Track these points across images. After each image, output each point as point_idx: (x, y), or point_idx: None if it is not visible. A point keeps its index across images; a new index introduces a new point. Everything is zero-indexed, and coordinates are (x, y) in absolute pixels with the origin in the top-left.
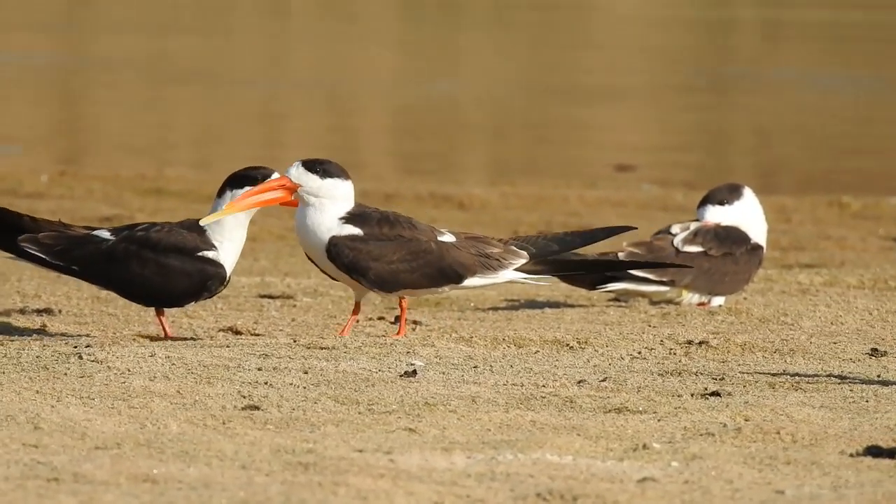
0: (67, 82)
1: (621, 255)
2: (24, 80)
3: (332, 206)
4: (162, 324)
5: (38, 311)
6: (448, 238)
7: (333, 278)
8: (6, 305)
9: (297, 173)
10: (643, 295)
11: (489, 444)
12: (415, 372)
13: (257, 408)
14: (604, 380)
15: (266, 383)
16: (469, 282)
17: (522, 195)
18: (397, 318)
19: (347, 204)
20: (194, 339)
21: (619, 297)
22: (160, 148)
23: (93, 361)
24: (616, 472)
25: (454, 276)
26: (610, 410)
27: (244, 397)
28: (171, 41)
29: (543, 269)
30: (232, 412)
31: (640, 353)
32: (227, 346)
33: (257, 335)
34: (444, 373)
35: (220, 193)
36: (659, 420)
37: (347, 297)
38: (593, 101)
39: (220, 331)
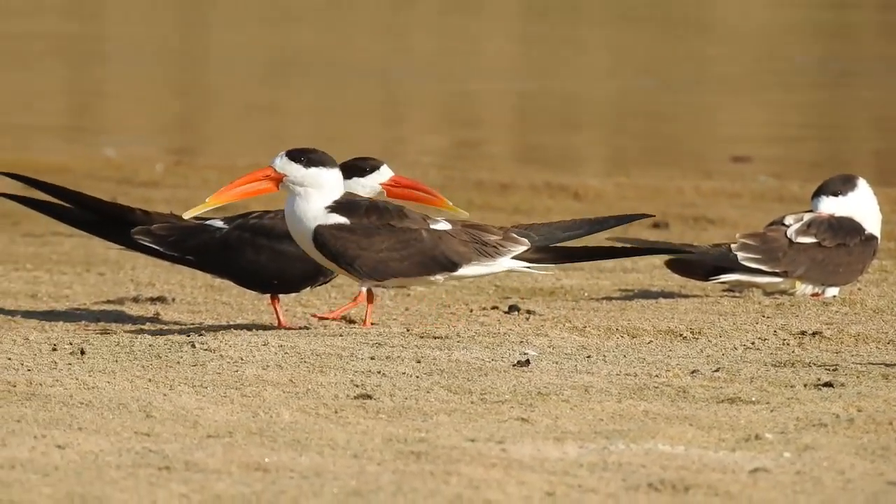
0: (186, 72)
1: (734, 247)
2: (142, 71)
3: (317, 195)
4: (276, 311)
5: (152, 300)
6: (442, 226)
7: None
8: (120, 294)
9: (282, 163)
10: (756, 286)
11: (601, 433)
12: (528, 361)
13: (370, 397)
14: (717, 370)
15: (379, 372)
16: (465, 270)
17: (638, 186)
18: (511, 308)
19: (334, 193)
20: (307, 328)
21: (733, 288)
22: (277, 138)
23: (206, 350)
24: (728, 462)
25: (447, 264)
26: (723, 401)
27: (357, 386)
28: (292, 31)
29: (545, 258)
30: (344, 401)
31: (753, 343)
32: (340, 335)
33: (372, 324)
34: (557, 362)
35: None
36: (772, 410)
37: (461, 286)
38: (711, 93)
39: (333, 320)
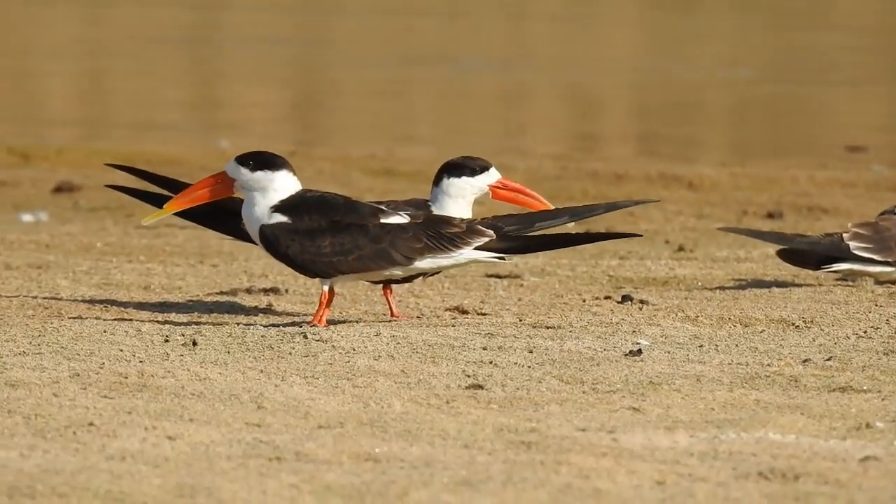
0: (307, 64)
1: (846, 236)
2: (263, 63)
3: (264, 197)
4: (389, 302)
5: (265, 291)
6: (395, 220)
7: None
8: (233, 285)
9: (231, 167)
10: (868, 275)
11: (712, 422)
12: (640, 351)
13: (481, 387)
14: (829, 359)
15: (491, 362)
16: (420, 263)
17: (752, 175)
18: (624, 297)
19: (283, 194)
20: (420, 318)
21: (846, 277)
22: (395, 129)
23: (318, 341)
24: (838, 450)
25: (398, 259)
26: (834, 389)
27: (468, 376)
28: (414, 23)
29: (511, 247)
30: (456, 391)
31: (865, 332)
32: (453, 326)
33: (483, 314)
34: (669, 352)
35: (437, 181)
36: (883, 399)
37: (575, 276)
38: (827, 83)
39: (446, 310)
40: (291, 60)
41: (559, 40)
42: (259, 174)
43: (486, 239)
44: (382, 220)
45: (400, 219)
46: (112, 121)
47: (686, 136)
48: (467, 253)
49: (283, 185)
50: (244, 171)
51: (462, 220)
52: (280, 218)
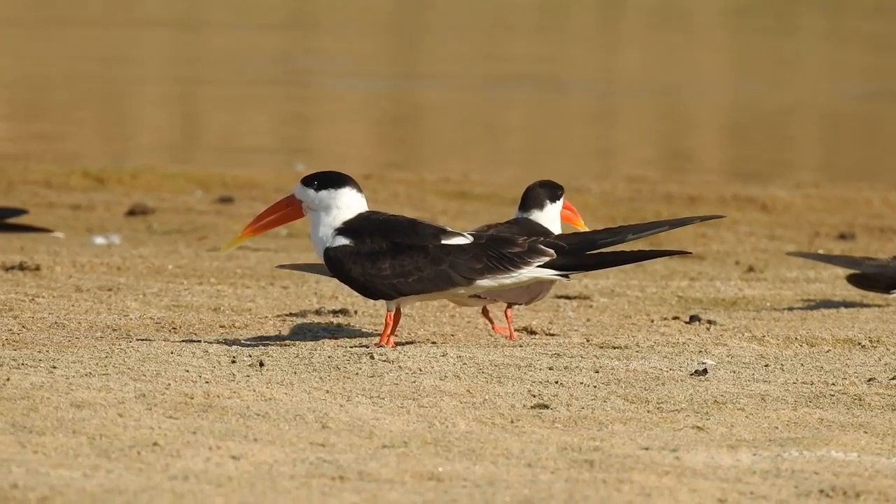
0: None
1: None
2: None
3: (329, 216)
4: (490, 321)
5: (334, 312)
6: (457, 240)
7: None
8: (303, 307)
9: (298, 189)
10: None
11: (776, 441)
12: (705, 370)
13: (546, 406)
14: (894, 378)
15: (556, 382)
16: (482, 282)
17: (826, 197)
18: (692, 318)
19: (348, 213)
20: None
21: None
22: (477, 152)
23: (384, 361)
24: None
25: (458, 279)
26: None
27: (534, 396)
28: (505, 44)
29: (572, 265)
30: (521, 411)
31: None
32: (520, 346)
33: (551, 335)
34: (734, 371)
35: (538, 205)
36: None
37: (644, 297)
38: None
39: (515, 330)
40: (383, 85)
41: (649, 62)
42: (323, 193)
43: (548, 258)
44: (443, 242)
45: (462, 240)
46: (195, 144)
47: (770, 160)
48: (528, 272)
49: (347, 202)
50: (310, 192)
51: (525, 239)
52: (343, 241)
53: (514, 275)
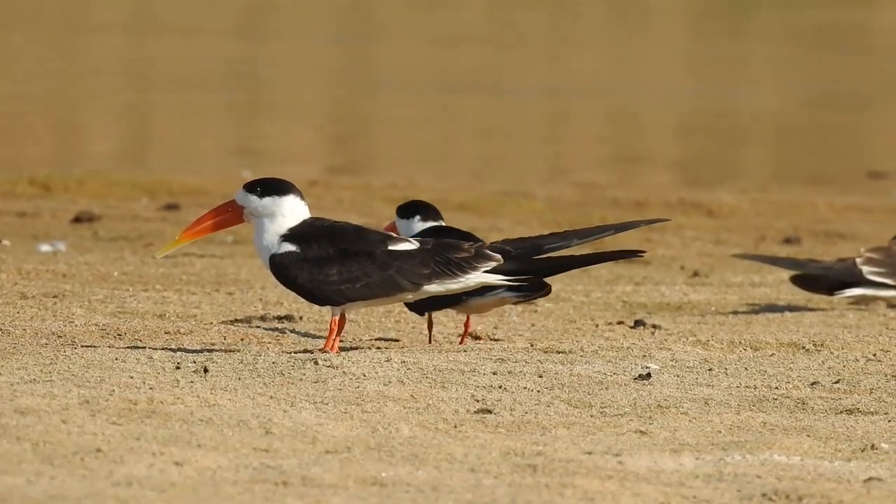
0: (348, 93)
1: (858, 261)
2: (303, 93)
3: (273, 223)
4: (429, 329)
5: (279, 318)
6: (404, 246)
7: None
8: (248, 313)
9: (240, 195)
10: (882, 299)
11: (718, 445)
12: (649, 375)
13: (490, 411)
14: (837, 382)
15: (500, 387)
16: (429, 287)
17: (772, 202)
18: (637, 322)
19: (292, 220)
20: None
21: (859, 302)
22: (427, 157)
23: (328, 367)
24: (843, 472)
25: (405, 285)
26: (841, 412)
27: (477, 401)
28: (459, 52)
29: (518, 270)
30: (464, 416)
31: (875, 355)
32: (464, 351)
33: (496, 340)
34: (678, 376)
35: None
36: (889, 421)
37: (589, 302)
38: (864, 108)
39: (459, 335)
40: (335, 91)
41: (603, 66)
42: (267, 200)
43: (495, 263)
44: (390, 247)
45: (409, 245)
46: (144, 151)
47: (720, 164)
48: (475, 277)
49: (291, 210)
50: (252, 198)
51: (471, 244)
52: (289, 247)
53: (461, 280)
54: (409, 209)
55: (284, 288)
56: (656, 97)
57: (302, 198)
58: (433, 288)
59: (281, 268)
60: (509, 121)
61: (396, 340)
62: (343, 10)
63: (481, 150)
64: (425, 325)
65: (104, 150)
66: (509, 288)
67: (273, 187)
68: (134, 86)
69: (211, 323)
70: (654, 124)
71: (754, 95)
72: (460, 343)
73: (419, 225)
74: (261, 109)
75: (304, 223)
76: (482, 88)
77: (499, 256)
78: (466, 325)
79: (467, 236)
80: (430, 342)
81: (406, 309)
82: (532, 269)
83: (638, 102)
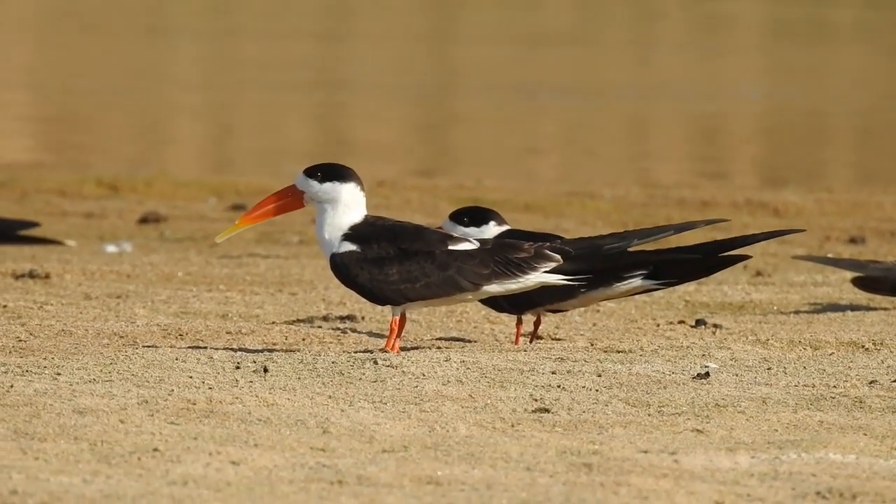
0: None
1: None
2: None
3: (333, 210)
4: (517, 332)
5: (342, 318)
6: (464, 246)
7: None
8: (310, 313)
9: (300, 180)
10: None
11: (774, 444)
12: (707, 374)
13: (547, 410)
14: (895, 380)
15: (558, 386)
16: (489, 288)
17: (838, 202)
18: (698, 322)
19: (352, 209)
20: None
21: None
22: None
23: (388, 366)
24: None
25: (465, 285)
26: None
27: (535, 400)
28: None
29: (578, 269)
30: (522, 415)
31: None
32: (524, 351)
33: (557, 339)
34: (737, 375)
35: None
36: None
37: (651, 301)
38: None
39: (521, 336)
40: (413, 93)
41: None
42: (327, 185)
43: (554, 263)
44: (450, 247)
45: (469, 245)
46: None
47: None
48: (535, 277)
49: (350, 197)
50: (313, 183)
51: (531, 245)
52: (350, 246)
53: (520, 280)
54: (477, 216)
55: (346, 288)
56: (736, 99)
57: (362, 187)
58: (493, 288)
59: (342, 267)
60: (589, 123)
61: (469, 341)
62: (425, 11)
63: (558, 153)
64: (488, 325)
65: (184, 152)
66: (645, 276)
67: (334, 173)
68: (214, 88)
69: (273, 323)
70: (733, 126)
71: (831, 97)
72: (530, 342)
73: (494, 230)
74: (341, 111)
75: (365, 222)
76: (563, 90)
77: (558, 257)
78: (536, 324)
79: (543, 237)
80: (517, 342)
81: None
82: (590, 268)
83: (717, 104)
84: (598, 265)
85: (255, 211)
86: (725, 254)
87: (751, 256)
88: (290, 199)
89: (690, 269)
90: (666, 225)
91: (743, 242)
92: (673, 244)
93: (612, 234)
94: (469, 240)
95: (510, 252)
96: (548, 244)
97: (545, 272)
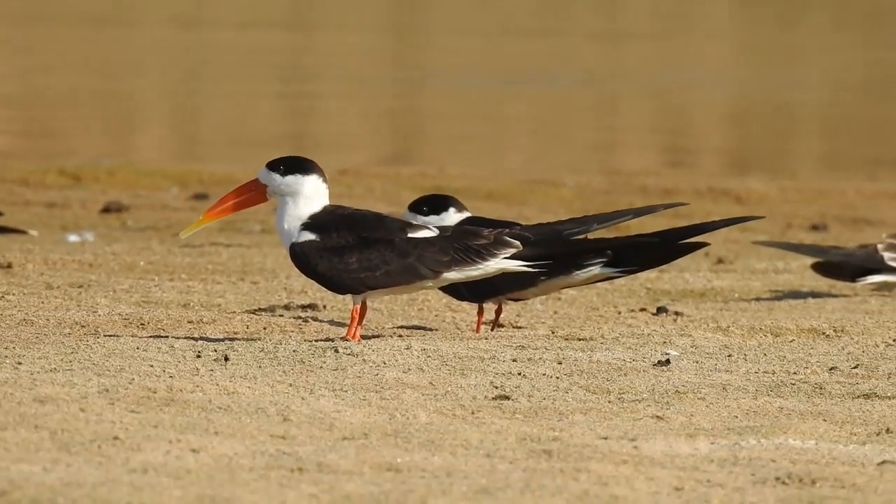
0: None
1: (880, 247)
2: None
3: (294, 203)
4: (478, 321)
5: (303, 307)
6: (424, 233)
7: None
8: (272, 301)
9: (263, 173)
10: None
11: (734, 430)
12: (668, 361)
13: (508, 397)
14: (856, 367)
15: (519, 374)
16: (448, 275)
17: (801, 189)
18: (659, 309)
19: (313, 200)
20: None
21: (881, 288)
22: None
23: (348, 354)
24: (857, 455)
25: (425, 272)
26: (858, 396)
27: (496, 388)
28: (507, 43)
29: (538, 255)
30: (482, 402)
31: (895, 340)
32: (485, 339)
33: (518, 327)
34: (697, 362)
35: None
36: None
37: (613, 289)
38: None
39: (482, 324)
40: (381, 82)
41: (650, 55)
42: (290, 178)
43: (514, 249)
44: (410, 235)
45: (429, 233)
46: (187, 142)
47: (759, 151)
48: (495, 263)
49: (313, 190)
50: (275, 176)
51: (491, 231)
52: (309, 235)
53: (480, 266)
54: (436, 203)
55: (307, 277)
56: (704, 86)
57: (324, 179)
58: (453, 275)
59: (301, 256)
60: (555, 112)
61: (430, 329)
62: (393, 2)
63: (524, 141)
64: (449, 313)
65: (151, 142)
66: (605, 264)
67: (296, 166)
68: (179, 77)
69: (234, 312)
70: (700, 113)
71: (800, 83)
72: (492, 329)
73: (455, 217)
74: (307, 100)
75: (325, 211)
76: (529, 79)
77: (517, 243)
78: (498, 312)
79: (501, 224)
80: (478, 330)
81: (439, 296)
82: (550, 254)
83: (686, 91)
84: (558, 251)
85: (218, 206)
86: (684, 241)
87: (709, 244)
88: (254, 193)
89: (651, 256)
90: (625, 209)
91: (703, 229)
92: (634, 231)
93: (571, 219)
94: (429, 227)
95: (470, 239)
96: (507, 230)
97: (505, 258)
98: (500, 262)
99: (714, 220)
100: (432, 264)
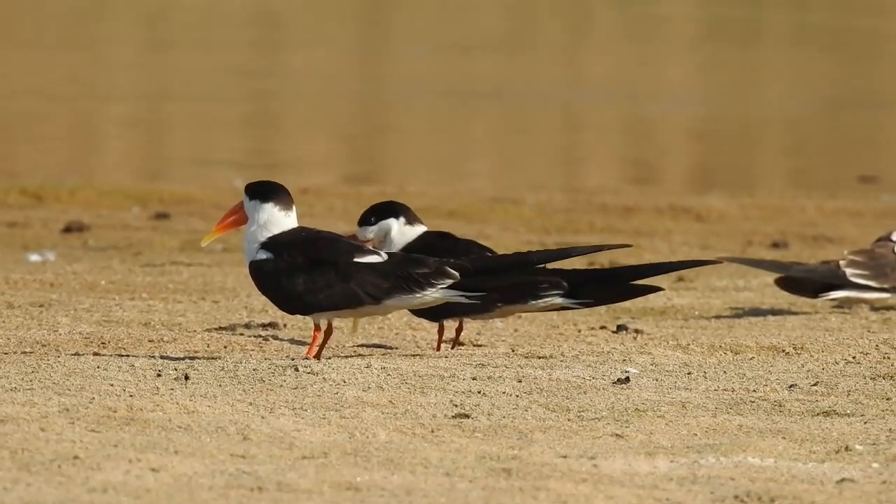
0: (363, 101)
1: (842, 263)
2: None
3: (255, 227)
4: (439, 337)
5: (264, 326)
6: (370, 258)
7: None
8: (233, 321)
9: (244, 196)
10: (864, 302)
11: (694, 448)
12: (628, 379)
13: (467, 416)
14: (815, 384)
15: (479, 392)
16: (389, 302)
17: (762, 206)
18: (619, 327)
19: (274, 225)
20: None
21: (842, 304)
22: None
23: (308, 373)
24: (816, 473)
25: (365, 298)
26: (818, 414)
27: (456, 406)
28: (471, 61)
29: (478, 286)
30: (441, 420)
31: (854, 357)
32: (445, 357)
33: (478, 345)
34: (657, 380)
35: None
36: (865, 423)
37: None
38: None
39: (442, 342)
40: (348, 99)
41: (616, 73)
42: (250, 204)
43: (451, 280)
44: (356, 259)
45: (376, 258)
46: (150, 162)
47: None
48: (433, 293)
49: (272, 218)
50: (246, 199)
51: (434, 260)
52: (265, 254)
53: (418, 296)
54: (381, 212)
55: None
56: (668, 103)
57: (284, 206)
58: (393, 302)
59: (256, 274)
60: (520, 128)
61: (390, 347)
62: (356, 19)
63: (487, 158)
64: (409, 332)
65: (112, 161)
66: (562, 295)
67: (258, 191)
68: (142, 97)
69: (195, 331)
70: (664, 130)
71: (763, 101)
72: (452, 348)
73: (405, 228)
74: (271, 119)
75: (286, 232)
76: (494, 95)
77: (456, 273)
78: (458, 331)
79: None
80: (438, 348)
81: (400, 313)
82: (489, 286)
83: (650, 108)
84: (501, 282)
85: (223, 220)
86: (640, 282)
87: (662, 289)
88: (241, 213)
89: (609, 292)
90: (568, 248)
91: (662, 269)
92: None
93: (516, 253)
94: (379, 253)
95: (413, 267)
96: (451, 261)
97: (443, 289)
98: (438, 293)
99: (671, 262)
100: (372, 290)
